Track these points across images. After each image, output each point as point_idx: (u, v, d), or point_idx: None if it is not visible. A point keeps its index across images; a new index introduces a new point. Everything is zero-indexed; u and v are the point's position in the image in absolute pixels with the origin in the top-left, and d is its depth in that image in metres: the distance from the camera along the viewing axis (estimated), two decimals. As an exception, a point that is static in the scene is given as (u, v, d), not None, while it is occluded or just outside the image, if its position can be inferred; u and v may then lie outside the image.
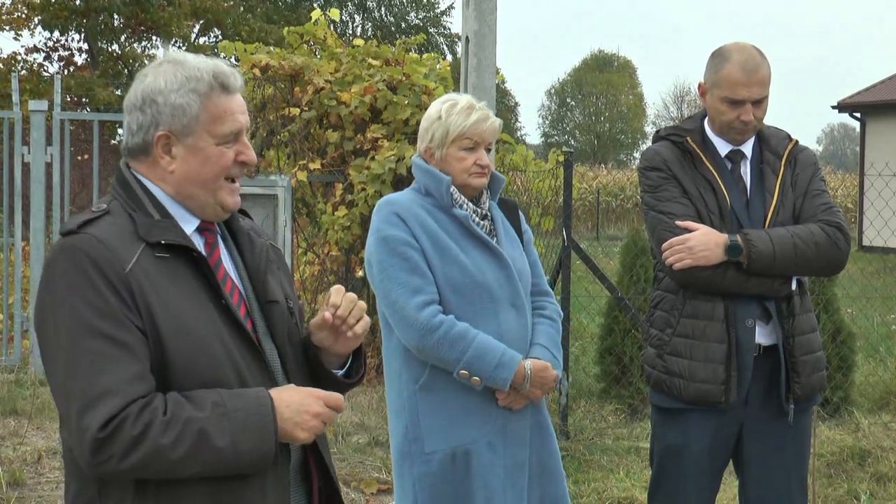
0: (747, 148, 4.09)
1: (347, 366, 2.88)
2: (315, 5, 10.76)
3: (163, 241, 2.49)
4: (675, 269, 3.93)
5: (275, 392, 2.51)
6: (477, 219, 3.93)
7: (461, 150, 3.90)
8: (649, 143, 4.26)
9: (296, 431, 2.50)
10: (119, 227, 2.50)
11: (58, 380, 2.42)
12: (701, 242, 3.89)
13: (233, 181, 2.63)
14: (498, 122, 3.97)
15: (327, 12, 10.62)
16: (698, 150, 4.05)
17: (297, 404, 2.51)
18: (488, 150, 3.95)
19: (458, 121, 3.89)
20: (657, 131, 4.29)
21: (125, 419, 2.33)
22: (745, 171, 4.08)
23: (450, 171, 3.91)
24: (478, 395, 3.83)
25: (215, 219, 2.66)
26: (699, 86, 4.10)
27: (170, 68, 2.60)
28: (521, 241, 4.10)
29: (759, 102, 3.97)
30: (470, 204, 3.93)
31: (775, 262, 3.89)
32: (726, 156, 4.07)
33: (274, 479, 2.54)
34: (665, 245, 3.96)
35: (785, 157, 4.09)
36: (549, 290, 4.17)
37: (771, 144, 4.11)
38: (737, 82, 3.93)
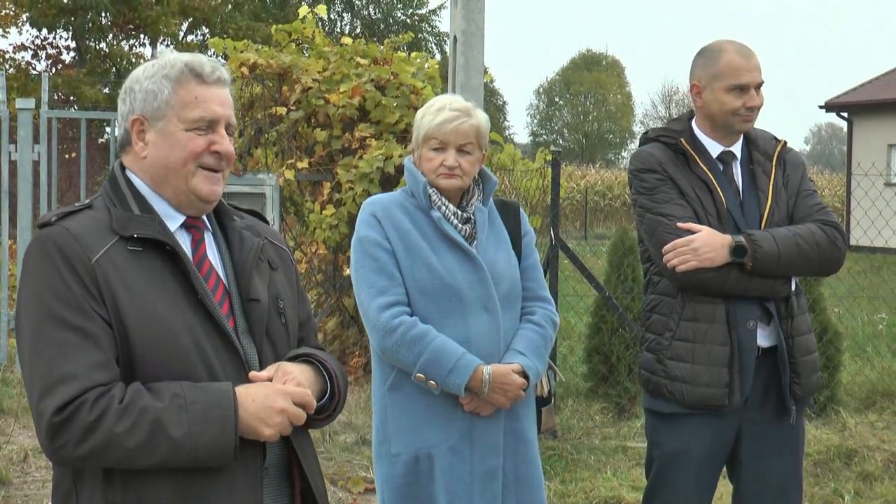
0: (737, 149, 4.09)
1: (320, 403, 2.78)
2: (302, 2, 10.71)
3: (135, 235, 2.51)
4: (679, 271, 3.90)
5: (241, 387, 2.50)
6: (455, 221, 3.89)
7: (430, 151, 3.88)
8: (637, 142, 4.25)
9: (260, 427, 2.49)
10: (95, 221, 2.54)
11: (24, 366, 2.46)
12: (706, 244, 3.87)
13: (214, 171, 2.64)
14: (471, 123, 3.87)
15: (314, 9, 10.57)
16: (692, 151, 4.04)
17: (262, 399, 2.50)
18: (465, 152, 3.88)
19: (426, 121, 3.89)
20: (645, 132, 4.27)
21: (82, 405, 2.35)
22: (737, 172, 4.07)
23: (423, 171, 3.91)
24: (443, 398, 3.80)
25: (194, 211, 2.66)
26: (693, 86, 4.08)
27: (151, 61, 2.69)
28: (521, 244, 4.05)
29: (759, 87, 4.01)
30: (450, 206, 3.90)
31: (780, 263, 3.89)
32: (718, 157, 4.07)
33: (244, 474, 2.53)
34: (668, 247, 3.93)
35: (775, 157, 4.10)
36: (546, 295, 4.09)
37: (759, 145, 4.12)
38: (739, 68, 3.96)
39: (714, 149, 4.08)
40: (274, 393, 2.52)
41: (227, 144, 2.64)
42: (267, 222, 2.94)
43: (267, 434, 2.50)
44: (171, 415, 2.38)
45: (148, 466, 2.40)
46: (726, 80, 3.97)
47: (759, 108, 4.02)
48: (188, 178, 2.60)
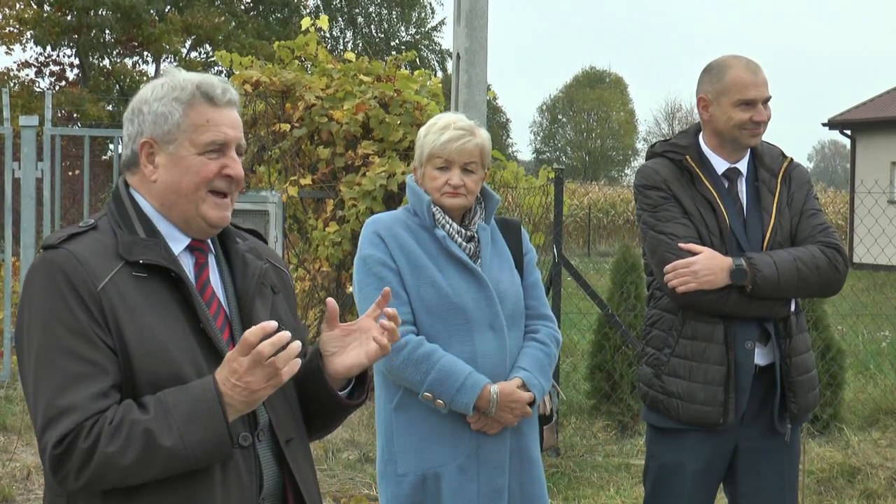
0: (742, 165, 4.09)
1: (350, 387, 2.79)
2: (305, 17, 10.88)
3: (141, 261, 2.48)
4: (679, 292, 3.91)
5: (217, 373, 2.41)
6: (460, 240, 3.88)
7: (434, 170, 3.87)
8: (641, 159, 4.26)
9: (252, 395, 2.38)
10: (100, 244, 2.50)
11: (29, 392, 2.43)
12: (706, 266, 3.87)
13: (224, 196, 2.60)
14: (475, 142, 3.87)
15: (316, 21, 10.59)
16: (697, 169, 4.04)
17: (227, 371, 2.38)
18: (469, 171, 3.88)
19: (430, 140, 3.87)
20: (651, 146, 4.25)
21: (78, 434, 2.33)
22: (742, 189, 4.07)
23: (427, 190, 3.90)
24: (449, 418, 3.79)
25: (202, 235, 2.63)
26: (700, 100, 4.08)
27: (158, 80, 2.63)
28: (522, 263, 4.05)
29: (767, 102, 4.01)
30: (454, 224, 3.89)
31: (779, 287, 3.89)
32: (723, 173, 4.07)
33: (241, 499, 2.50)
34: (668, 268, 3.93)
35: (781, 174, 4.09)
36: (548, 314, 4.09)
37: (765, 162, 4.11)
38: (747, 83, 3.97)
39: (720, 165, 4.07)
40: (231, 356, 2.39)
41: (238, 168, 2.60)
42: (266, 242, 2.92)
43: (264, 394, 2.39)
44: (159, 422, 2.34)
45: (152, 479, 2.37)
46: (733, 95, 3.97)
47: (766, 123, 4.03)
48: (198, 203, 2.56)
